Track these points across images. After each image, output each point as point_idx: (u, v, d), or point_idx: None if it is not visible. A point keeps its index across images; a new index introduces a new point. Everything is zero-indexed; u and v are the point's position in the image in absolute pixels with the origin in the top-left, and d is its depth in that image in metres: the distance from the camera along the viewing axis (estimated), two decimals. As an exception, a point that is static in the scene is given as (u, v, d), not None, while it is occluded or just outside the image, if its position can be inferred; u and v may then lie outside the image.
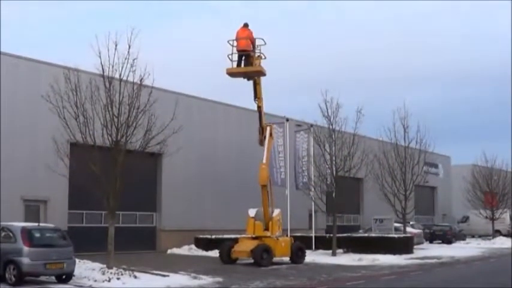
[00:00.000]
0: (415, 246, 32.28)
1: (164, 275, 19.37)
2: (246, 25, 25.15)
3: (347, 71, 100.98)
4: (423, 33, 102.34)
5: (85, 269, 19.10)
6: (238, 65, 25.14)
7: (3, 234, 17.37)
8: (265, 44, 25.24)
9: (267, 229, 24.95)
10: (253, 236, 24.91)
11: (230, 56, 25.15)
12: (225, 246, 25.04)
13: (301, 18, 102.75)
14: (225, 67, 25.21)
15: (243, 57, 25.10)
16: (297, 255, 25.49)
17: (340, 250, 29.56)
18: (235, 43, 24.96)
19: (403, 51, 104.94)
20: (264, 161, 25.12)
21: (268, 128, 26.38)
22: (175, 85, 34.13)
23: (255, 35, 25.06)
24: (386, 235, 32.06)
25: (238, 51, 24.98)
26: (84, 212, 28.29)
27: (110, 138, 19.47)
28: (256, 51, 25.23)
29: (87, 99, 19.47)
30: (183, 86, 44.14)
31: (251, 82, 25.78)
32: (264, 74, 25.58)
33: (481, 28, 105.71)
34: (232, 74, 25.42)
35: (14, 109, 25.34)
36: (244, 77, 25.75)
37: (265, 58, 25.46)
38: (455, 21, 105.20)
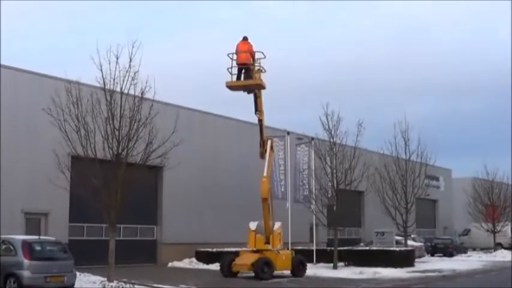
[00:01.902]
0: (416, 260, 32.14)
1: (165, 288, 19.36)
2: (245, 38, 25.14)
3: (348, 83, 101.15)
4: (423, 44, 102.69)
5: (85, 282, 19.11)
6: (238, 78, 25.12)
7: (3, 247, 17.38)
8: (265, 57, 25.25)
9: (267, 242, 24.86)
10: (254, 249, 24.84)
11: (230, 70, 25.18)
12: (226, 260, 24.96)
13: (302, 30, 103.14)
14: (225, 80, 25.24)
15: (243, 71, 25.13)
16: (298, 269, 25.40)
17: (342, 263, 29.46)
18: (234, 56, 24.99)
19: (404, 63, 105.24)
20: (265, 174, 25.07)
21: (269, 142, 26.34)
22: (176, 98, 34.24)
23: (255, 48, 25.08)
24: (387, 248, 31.94)
25: (238, 64, 24.92)
26: (85, 225, 28.23)
27: (110, 151, 19.51)
28: (256, 64, 25.27)
29: (88, 112, 19.56)
30: (184, 99, 44.12)
31: (251, 95, 25.80)
32: (263, 88, 25.57)
33: (482, 39, 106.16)
34: (232, 87, 25.42)
35: (14, 122, 25.35)
36: (244, 91, 25.74)
37: (265, 71, 25.51)
38: (455, 32, 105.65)
